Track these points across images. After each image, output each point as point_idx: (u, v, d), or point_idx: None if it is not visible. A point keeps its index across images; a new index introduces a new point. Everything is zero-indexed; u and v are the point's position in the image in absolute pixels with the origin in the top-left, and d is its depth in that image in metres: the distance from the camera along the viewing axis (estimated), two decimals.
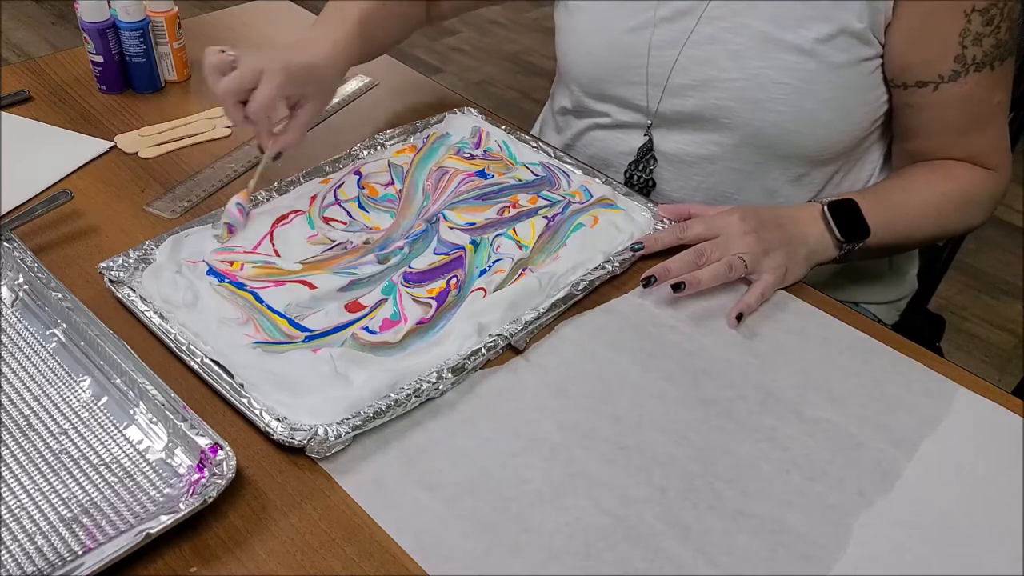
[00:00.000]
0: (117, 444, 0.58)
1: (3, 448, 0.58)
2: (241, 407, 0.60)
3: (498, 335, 0.67)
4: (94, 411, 0.61)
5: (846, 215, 0.78)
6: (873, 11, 0.78)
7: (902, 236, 0.82)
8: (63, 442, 0.58)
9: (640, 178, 0.91)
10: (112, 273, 0.70)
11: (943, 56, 0.79)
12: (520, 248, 0.75)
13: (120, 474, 0.56)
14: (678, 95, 0.86)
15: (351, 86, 1.01)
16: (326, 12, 0.87)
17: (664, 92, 0.86)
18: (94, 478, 0.56)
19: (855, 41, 0.79)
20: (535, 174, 0.86)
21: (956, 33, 0.77)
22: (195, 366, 0.63)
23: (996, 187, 0.87)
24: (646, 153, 0.91)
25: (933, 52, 0.79)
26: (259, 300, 0.68)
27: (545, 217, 0.79)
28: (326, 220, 0.78)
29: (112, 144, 0.89)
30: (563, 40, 0.94)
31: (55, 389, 0.62)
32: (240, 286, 0.69)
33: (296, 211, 0.78)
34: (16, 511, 0.54)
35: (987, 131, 0.84)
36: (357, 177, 0.83)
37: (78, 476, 0.56)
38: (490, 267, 0.73)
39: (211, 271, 0.70)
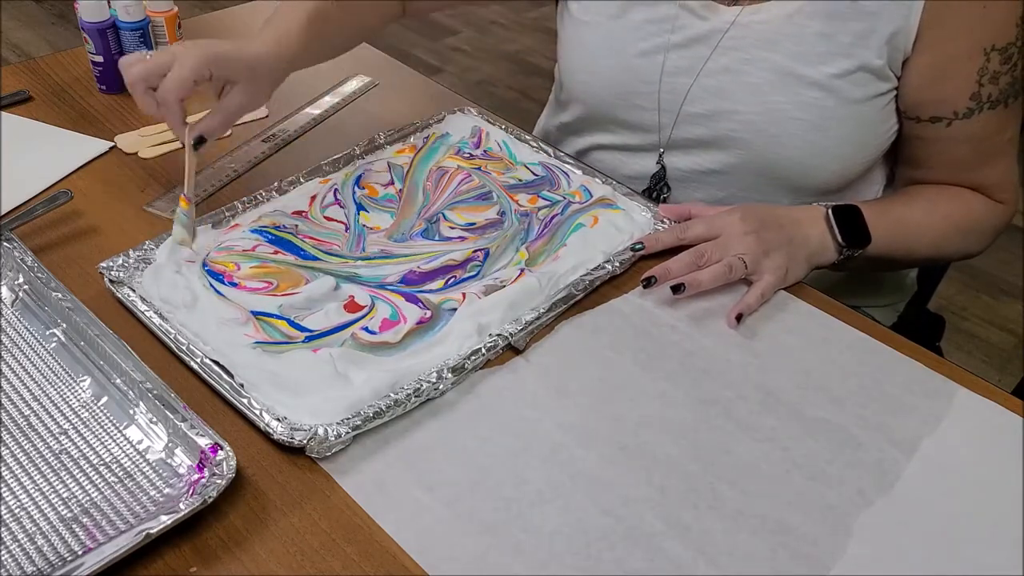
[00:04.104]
0: (117, 444, 0.58)
1: (3, 448, 0.58)
2: (241, 407, 0.60)
3: (498, 335, 0.67)
4: (94, 411, 0.61)
5: (849, 220, 0.78)
6: (892, 48, 0.77)
7: (901, 251, 0.82)
8: (63, 442, 0.58)
9: None
10: (112, 273, 0.70)
11: (960, 94, 0.78)
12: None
13: (120, 474, 0.56)
14: (689, 123, 0.85)
15: (351, 86, 1.01)
16: (273, 14, 0.82)
17: (676, 120, 0.85)
18: (94, 478, 0.56)
19: (872, 77, 0.79)
20: (535, 174, 0.86)
21: (974, 71, 0.77)
22: (195, 366, 0.63)
23: (1000, 219, 0.86)
24: (659, 181, 0.90)
25: (950, 90, 0.79)
26: (253, 314, 0.67)
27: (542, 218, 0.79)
28: (327, 219, 0.78)
29: (112, 144, 0.89)
30: (567, 56, 0.91)
31: (55, 389, 0.62)
32: (234, 285, 0.69)
33: (297, 211, 0.78)
34: (16, 511, 0.54)
35: (996, 166, 0.84)
36: (357, 176, 0.83)
37: (78, 476, 0.56)
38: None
39: (209, 271, 0.70)
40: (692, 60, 0.83)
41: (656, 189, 0.90)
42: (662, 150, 0.88)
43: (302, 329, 0.66)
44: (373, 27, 0.91)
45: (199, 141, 0.74)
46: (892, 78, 0.80)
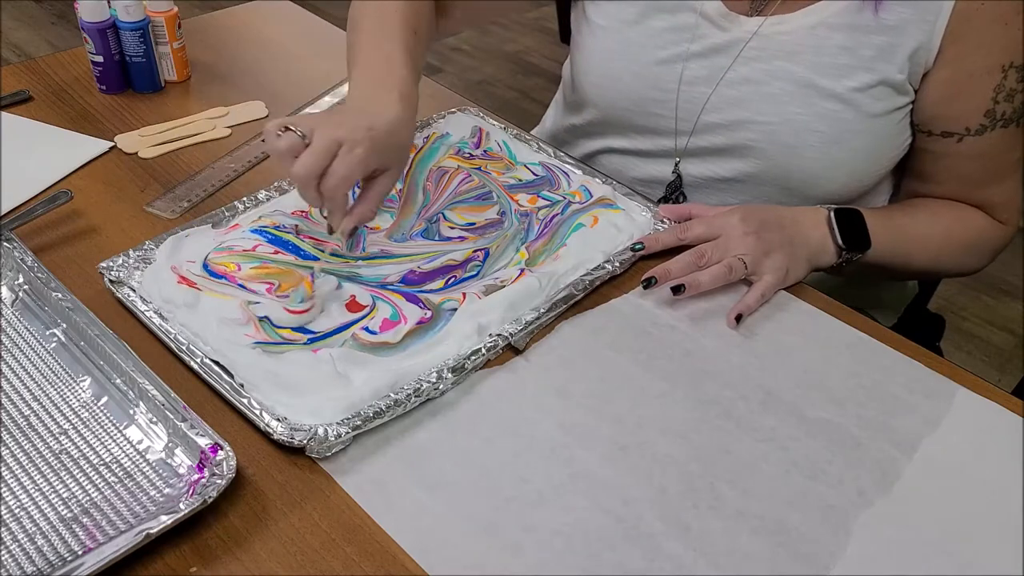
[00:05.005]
0: (117, 444, 0.58)
1: (3, 448, 0.58)
2: (241, 407, 0.60)
3: (498, 335, 0.67)
4: (94, 411, 0.61)
5: (850, 224, 0.78)
6: (914, 63, 0.77)
7: (899, 259, 0.82)
8: (63, 442, 0.58)
9: None
10: (112, 273, 0.70)
11: (975, 110, 0.78)
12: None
13: (120, 474, 0.56)
14: (707, 132, 0.85)
15: None
16: (369, 51, 0.77)
17: (694, 129, 0.85)
18: (94, 478, 0.56)
19: (892, 92, 0.79)
20: (535, 174, 0.86)
21: (991, 88, 0.77)
22: (195, 366, 0.63)
23: (1000, 240, 0.86)
24: (675, 190, 0.89)
25: (966, 106, 0.79)
26: (260, 319, 0.67)
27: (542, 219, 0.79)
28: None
29: (112, 144, 0.89)
30: (582, 59, 0.90)
31: (55, 389, 0.62)
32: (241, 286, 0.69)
33: (298, 212, 0.78)
34: (16, 511, 0.54)
35: (1002, 185, 0.84)
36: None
37: (78, 476, 0.56)
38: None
39: (209, 271, 0.70)
40: (711, 69, 0.83)
41: (672, 198, 0.90)
42: (678, 159, 0.88)
43: (303, 331, 0.66)
44: (429, 50, 0.89)
45: (353, 231, 0.71)
46: (911, 92, 0.80)
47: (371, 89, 0.74)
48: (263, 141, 0.69)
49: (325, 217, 0.71)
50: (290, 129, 0.66)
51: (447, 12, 0.92)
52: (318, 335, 0.66)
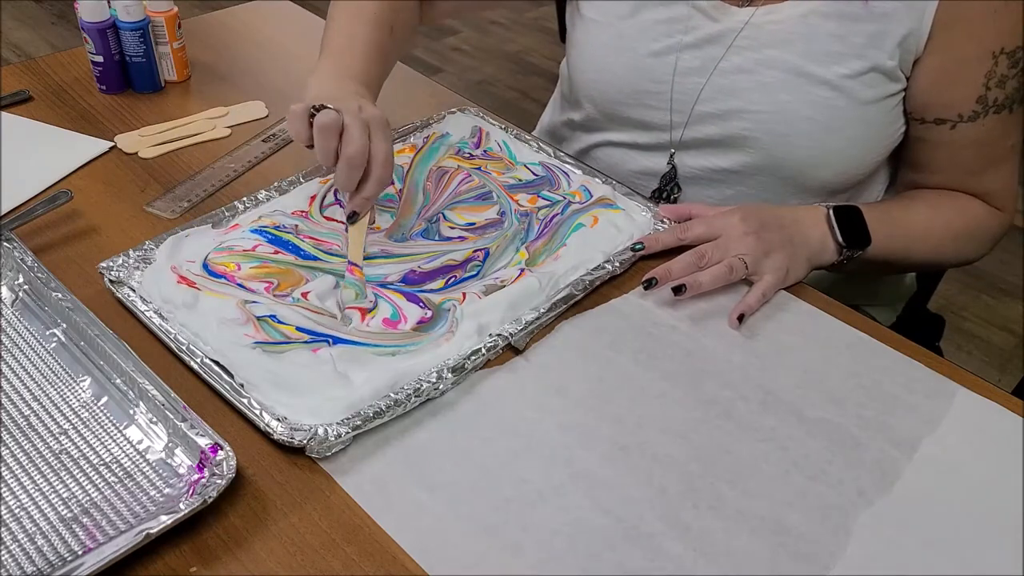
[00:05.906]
0: (117, 444, 0.58)
1: (3, 448, 0.58)
2: (241, 407, 0.60)
3: (498, 335, 0.67)
4: (94, 411, 0.61)
5: (850, 221, 0.78)
6: (904, 50, 0.77)
7: (900, 254, 0.82)
8: (63, 442, 0.58)
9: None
10: (112, 273, 0.70)
11: (966, 97, 0.79)
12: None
13: (120, 474, 0.56)
14: (701, 122, 0.85)
15: None
16: (339, 43, 0.82)
17: (688, 120, 0.85)
18: (94, 478, 0.56)
19: (884, 78, 0.79)
20: (535, 174, 0.86)
21: (982, 75, 0.77)
22: (195, 366, 0.63)
23: (999, 227, 0.87)
24: (670, 181, 0.90)
25: (957, 92, 0.79)
26: (259, 318, 0.67)
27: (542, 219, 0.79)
28: (327, 219, 0.78)
29: (112, 144, 0.89)
30: (578, 55, 0.91)
31: (55, 389, 0.62)
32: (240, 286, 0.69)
33: (297, 211, 0.78)
34: (16, 511, 0.54)
35: (998, 172, 0.84)
36: None
37: (78, 476, 0.56)
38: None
39: (209, 271, 0.70)
40: (704, 60, 0.83)
41: (667, 189, 0.90)
42: (673, 151, 0.88)
43: (304, 330, 0.66)
44: (409, 43, 0.93)
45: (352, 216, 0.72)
46: (902, 79, 0.80)
47: (336, 80, 0.78)
48: (286, 127, 0.74)
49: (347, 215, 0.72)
50: (326, 107, 0.68)
51: None
52: (319, 335, 0.66)
